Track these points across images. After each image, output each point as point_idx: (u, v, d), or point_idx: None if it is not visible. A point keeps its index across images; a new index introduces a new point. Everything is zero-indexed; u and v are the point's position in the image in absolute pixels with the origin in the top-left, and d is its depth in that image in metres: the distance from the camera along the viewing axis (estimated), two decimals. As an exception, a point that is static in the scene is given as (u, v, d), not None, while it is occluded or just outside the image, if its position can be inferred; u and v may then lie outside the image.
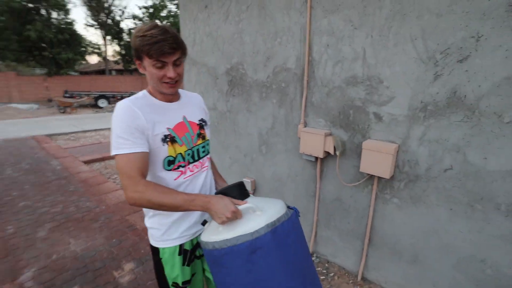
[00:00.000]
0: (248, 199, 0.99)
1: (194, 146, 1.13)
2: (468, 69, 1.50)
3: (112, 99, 15.30)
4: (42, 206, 3.35)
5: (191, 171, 1.13)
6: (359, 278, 2.15)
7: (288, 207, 1.00)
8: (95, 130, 8.45)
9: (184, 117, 1.12)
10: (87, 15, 23.12)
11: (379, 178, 1.92)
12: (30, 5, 16.23)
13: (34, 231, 2.82)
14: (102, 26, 20.94)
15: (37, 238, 2.69)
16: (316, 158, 2.23)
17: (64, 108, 12.62)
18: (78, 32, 17.90)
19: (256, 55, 2.53)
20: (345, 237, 2.23)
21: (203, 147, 1.18)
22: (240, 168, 2.99)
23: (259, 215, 0.91)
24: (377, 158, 1.81)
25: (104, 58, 22.10)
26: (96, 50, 21.27)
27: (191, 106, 1.18)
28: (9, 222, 2.99)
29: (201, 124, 1.18)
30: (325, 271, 2.28)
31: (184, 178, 1.10)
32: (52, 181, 4.16)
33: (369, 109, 1.90)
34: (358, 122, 1.98)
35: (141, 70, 1.03)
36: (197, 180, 1.15)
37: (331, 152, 2.08)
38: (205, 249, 0.95)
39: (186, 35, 3.20)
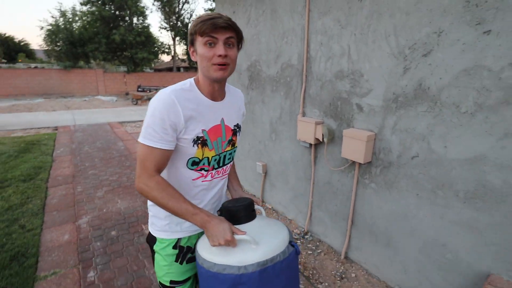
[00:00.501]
0: (253, 222, 0.98)
1: (222, 152, 1.08)
2: (431, 63, 1.59)
3: (176, 94, 16.90)
4: (104, 175, 4.17)
5: (212, 176, 1.08)
6: (342, 256, 2.32)
7: (290, 242, 0.95)
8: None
9: (222, 120, 1.06)
10: (161, 20, 25.67)
11: (360, 164, 2.07)
12: (117, 12, 18.85)
13: (95, 191, 3.59)
14: (173, 28, 23.13)
15: (95, 196, 3.44)
16: (311, 144, 2.45)
17: (136, 101, 14.48)
18: (152, 35, 20.16)
19: (269, 53, 2.82)
20: (334, 218, 2.41)
21: (230, 154, 1.13)
22: (255, 153, 3.33)
23: (254, 249, 0.87)
24: (354, 145, 1.97)
25: (173, 57, 24.39)
26: (166, 50, 23.62)
27: (232, 107, 1.12)
28: (80, 184, 3.84)
29: (235, 130, 1.12)
30: (314, 247, 2.49)
31: (202, 181, 1.06)
32: (115, 157, 5.07)
33: (353, 101, 2.06)
34: (344, 112, 2.15)
35: (193, 58, 0.99)
36: (214, 186, 1.11)
37: (321, 139, 2.28)
38: (196, 260, 0.97)
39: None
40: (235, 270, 0.85)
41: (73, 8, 23.11)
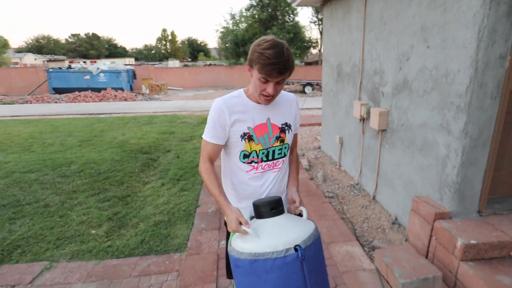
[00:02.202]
0: (278, 219, 1.15)
1: (270, 147, 1.32)
2: (409, 65, 2.75)
3: (316, 86, 18.94)
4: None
5: (262, 168, 1.34)
6: (371, 197, 3.58)
7: (296, 246, 1.03)
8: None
9: (268, 119, 1.31)
10: (312, 15, 28.20)
11: (382, 131, 3.31)
12: (272, 13, 22.71)
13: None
14: (321, 22, 25.14)
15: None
16: (360, 120, 3.78)
17: (279, 92, 17.49)
18: (300, 31, 22.95)
19: (346, 56, 4.25)
20: (370, 171, 3.67)
21: (280, 149, 1.35)
22: (337, 128, 4.80)
23: (253, 241, 1.07)
24: (375, 118, 3.26)
25: (319, 50, 26.53)
26: (313, 44, 26.00)
27: (280, 108, 1.35)
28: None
29: (283, 128, 1.34)
30: (357, 192, 3.82)
31: (255, 173, 1.34)
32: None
33: (380, 89, 3.31)
34: (376, 97, 3.41)
35: (248, 75, 1.23)
36: (266, 177, 1.36)
37: (363, 116, 3.60)
38: None
39: (324, 41, 5.24)
40: (235, 253, 1.09)
41: (241, 11, 29.05)
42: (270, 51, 1.09)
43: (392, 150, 3.15)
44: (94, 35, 64.95)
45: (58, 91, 17.13)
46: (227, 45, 25.07)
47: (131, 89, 19.44)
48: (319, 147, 5.94)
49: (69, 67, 17.97)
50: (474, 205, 2.31)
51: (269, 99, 1.22)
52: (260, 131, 1.29)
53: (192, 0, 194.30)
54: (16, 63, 41.96)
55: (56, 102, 14.38)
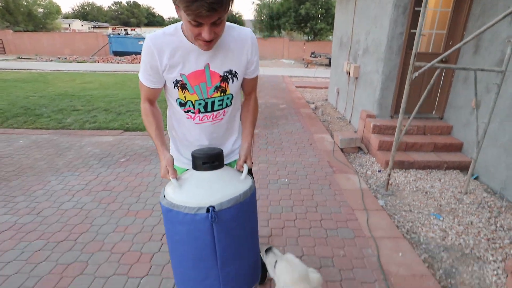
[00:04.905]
0: (213, 174, 1.09)
1: (209, 98, 1.15)
2: (369, 38, 4.83)
3: (342, 61, 20.43)
4: (271, 99, 8.89)
5: (200, 119, 1.20)
6: (348, 122, 5.78)
7: (210, 207, 0.99)
8: (312, 77, 13.93)
9: (207, 66, 1.10)
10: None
11: (356, 78, 5.43)
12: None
13: (264, 96, 8.32)
14: None
15: (260, 96, 8.15)
16: (346, 73, 5.90)
17: (307, 64, 19.30)
18: (331, 7, 23.96)
19: (344, 31, 6.30)
20: (350, 106, 5.84)
21: (221, 100, 1.19)
22: (336, 82, 6.93)
23: (176, 192, 1.06)
24: (352, 70, 5.39)
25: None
26: (345, 20, 26.87)
27: (225, 52, 1.11)
28: (259, 95, 8.70)
29: (225, 77, 1.14)
30: (341, 120, 6.02)
31: (195, 123, 1.22)
32: (279, 89, 9.77)
33: (358, 52, 5.41)
34: (355, 58, 5.52)
35: (178, 15, 0.96)
36: (206, 129, 1.24)
37: (348, 70, 5.72)
38: None
39: (335, 19, 7.24)
40: (161, 198, 1.09)
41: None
42: None
43: (358, 89, 5.30)
44: (135, 3, 67.85)
45: (117, 53, 20.08)
46: (262, 18, 26.63)
47: (175, 55, 21.93)
48: (327, 99, 8.10)
49: (127, 33, 20.74)
50: (388, 111, 4.47)
51: (208, 43, 0.98)
52: (195, 79, 1.11)
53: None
54: (66, 29, 46.00)
55: (118, 63, 17.27)
